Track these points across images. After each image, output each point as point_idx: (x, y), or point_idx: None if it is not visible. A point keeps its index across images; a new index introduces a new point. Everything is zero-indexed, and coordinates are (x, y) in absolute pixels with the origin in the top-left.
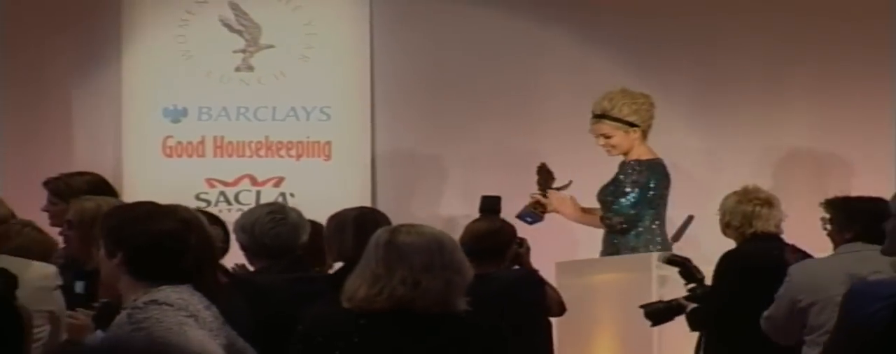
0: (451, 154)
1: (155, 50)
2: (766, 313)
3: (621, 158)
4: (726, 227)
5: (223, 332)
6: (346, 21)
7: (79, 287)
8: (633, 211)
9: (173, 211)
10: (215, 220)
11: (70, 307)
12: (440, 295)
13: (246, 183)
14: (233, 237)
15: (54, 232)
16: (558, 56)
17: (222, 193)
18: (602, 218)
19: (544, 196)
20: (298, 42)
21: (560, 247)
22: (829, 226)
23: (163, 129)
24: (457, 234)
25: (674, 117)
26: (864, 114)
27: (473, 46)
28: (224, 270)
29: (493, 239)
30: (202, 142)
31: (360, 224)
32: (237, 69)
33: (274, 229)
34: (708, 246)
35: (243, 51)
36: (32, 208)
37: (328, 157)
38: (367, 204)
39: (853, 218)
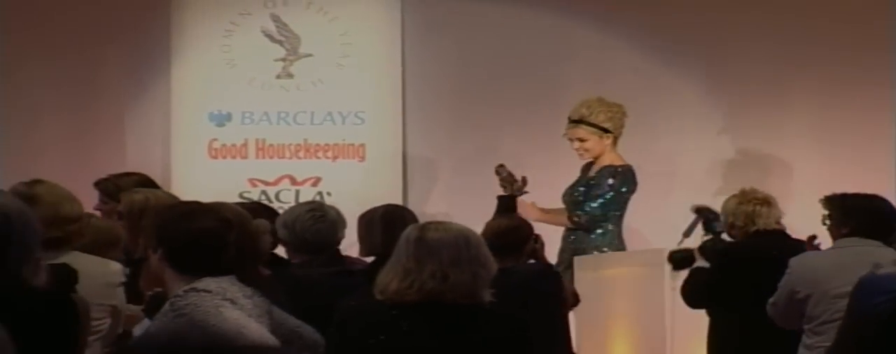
0: (478, 155)
1: (202, 58)
2: (770, 300)
3: (588, 161)
4: (731, 227)
5: (266, 319)
6: (379, 31)
7: None
8: (601, 211)
9: (214, 210)
10: (272, 214)
11: None
12: (468, 288)
13: (286, 182)
14: None
15: None
16: (584, 59)
17: (263, 192)
18: (570, 217)
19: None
20: (335, 51)
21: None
22: (827, 222)
23: (209, 133)
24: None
25: (689, 118)
26: (864, 116)
27: (500, 51)
28: (276, 261)
29: (513, 235)
30: (245, 145)
31: (387, 220)
32: (278, 76)
33: (314, 226)
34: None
35: (284, 59)
36: (85, 207)
37: (362, 159)
38: (399, 202)
39: (849, 214)
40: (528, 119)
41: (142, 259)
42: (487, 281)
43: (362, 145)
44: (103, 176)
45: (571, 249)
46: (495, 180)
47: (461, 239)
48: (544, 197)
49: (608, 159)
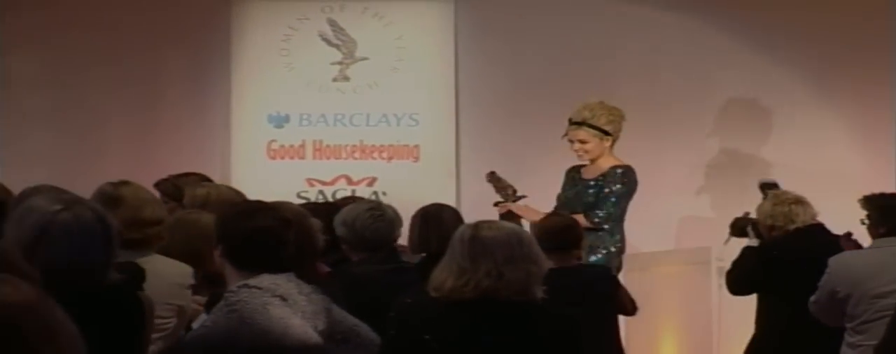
0: (529, 155)
1: (261, 62)
2: (812, 298)
3: (574, 166)
4: (771, 229)
5: (323, 316)
6: (432, 35)
7: None
8: (617, 210)
9: (274, 209)
10: (334, 210)
11: None
12: (522, 285)
13: (342, 182)
14: None
15: None
16: (635, 58)
17: (321, 192)
18: (589, 218)
19: (514, 202)
20: (390, 55)
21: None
22: (866, 221)
23: (267, 134)
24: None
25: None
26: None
27: (552, 52)
28: (340, 259)
29: (570, 234)
30: (303, 146)
31: (425, 218)
32: (334, 79)
33: (373, 224)
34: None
35: (340, 63)
36: None
37: (416, 159)
38: (452, 202)
39: (887, 214)
40: None
41: None
42: (540, 279)
43: (416, 146)
44: (164, 176)
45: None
46: (549, 178)
47: (514, 237)
48: None
49: (609, 160)
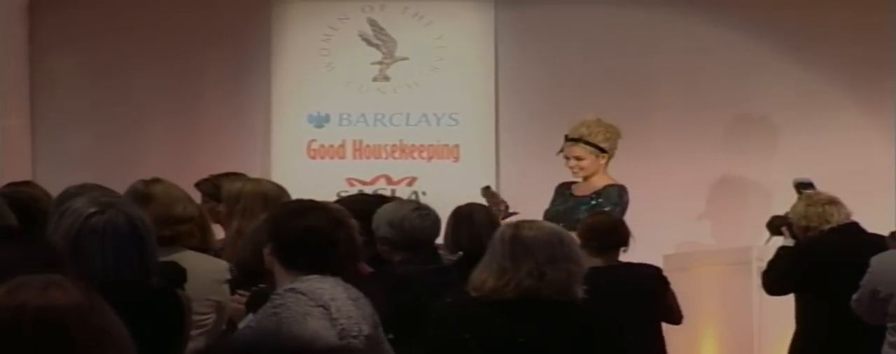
0: None
1: (301, 62)
2: (854, 296)
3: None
4: (806, 230)
5: (369, 321)
6: (473, 35)
7: None
8: None
9: (327, 209)
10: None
11: None
12: (563, 285)
13: (382, 182)
14: None
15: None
16: (675, 60)
17: (360, 192)
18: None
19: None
20: (430, 55)
21: (667, 240)
22: None
23: (307, 134)
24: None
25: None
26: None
27: (592, 53)
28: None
29: (617, 233)
30: (343, 146)
31: (457, 218)
32: (375, 79)
33: (422, 224)
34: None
35: (380, 63)
36: None
37: (456, 159)
38: None
39: None
40: (619, 119)
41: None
42: (580, 278)
43: (456, 146)
44: (205, 176)
45: None
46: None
47: (555, 237)
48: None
49: (604, 178)
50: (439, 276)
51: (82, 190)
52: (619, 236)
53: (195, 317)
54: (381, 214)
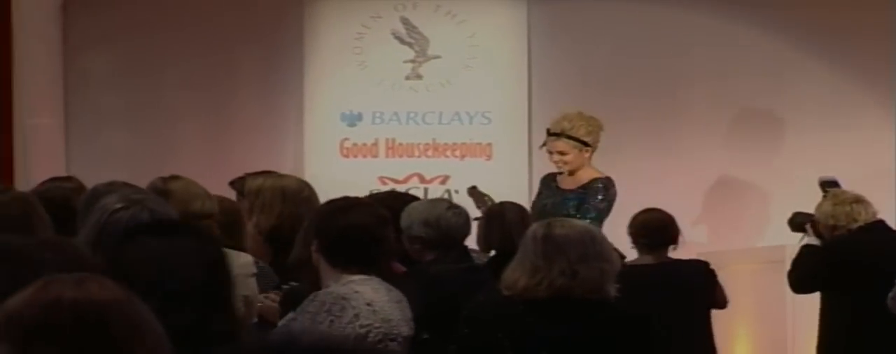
0: (602, 152)
1: (334, 60)
2: (890, 294)
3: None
4: (834, 229)
5: (409, 324)
6: (505, 33)
7: None
8: (599, 222)
9: (372, 206)
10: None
11: None
12: (595, 283)
13: (415, 181)
14: None
15: None
16: (708, 57)
17: (393, 190)
18: None
19: None
20: (463, 53)
21: (698, 238)
22: None
23: (340, 132)
24: (606, 227)
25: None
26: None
27: (624, 50)
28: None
29: (667, 231)
30: (375, 144)
31: (489, 217)
32: (407, 78)
33: (456, 222)
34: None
35: (413, 61)
36: None
37: (489, 157)
38: (525, 200)
39: None
40: (653, 115)
41: None
42: (613, 276)
43: (489, 144)
44: (238, 175)
45: None
46: (620, 176)
47: (586, 235)
48: (672, 188)
49: (589, 172)
50: (471, 275)
51: (111, 188)
52: (670, 234)
53: None
54: (413, 213)
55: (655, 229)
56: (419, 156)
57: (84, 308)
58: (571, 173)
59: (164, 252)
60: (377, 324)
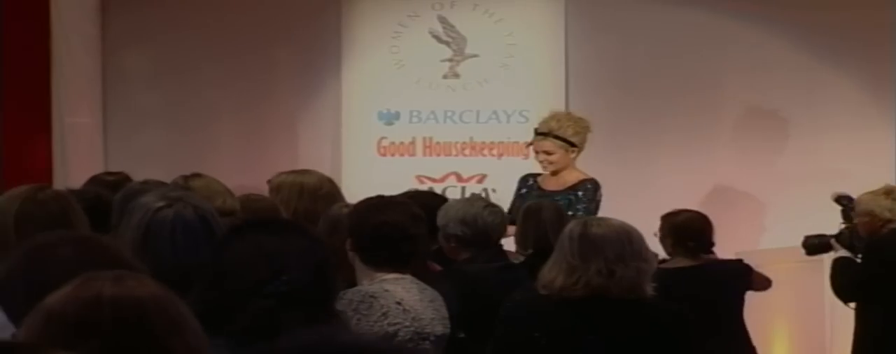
0: (639, 151)
1: (371, 59)
2: None
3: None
4: (885, 224)
5: (443, 323)
6: (543, 32)
7: None
8: None
9: (406, 205)
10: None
11: None
12: (632, 283)
13: (452, 179)
14: None
15: None
16: (744, 57)
17: (430, 189)
18: None
19: None
20: (500, 52)
21: (735, 238)
22: None
23: (378, 131)
24: (644, 227)
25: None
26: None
27: (661, 49)
28: (445, 259)
29: (704, 232)
30: (413, 143)
31: (526, 215)
32: (444, 76)
33: (493, 221)
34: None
35: (450, 60)
36: None
37: (526, 156)
38: None
39: None
40: (689, 116)
41: None
42: (649, 275)
43: (527, 143)
44: (275, 173)
45: None
46: (657, 174)
47: (623, 234)
48: (708, 188)
49: (574, 173)
50: (507, 274)
51: (145, 186)
52: (706, 235)
53: None
54: (450, 212)
55: (699, 231)
56: (456, 155)
57: (124, 304)
58: (555, 173)
59: (277, 249)
60: (407, 323)
